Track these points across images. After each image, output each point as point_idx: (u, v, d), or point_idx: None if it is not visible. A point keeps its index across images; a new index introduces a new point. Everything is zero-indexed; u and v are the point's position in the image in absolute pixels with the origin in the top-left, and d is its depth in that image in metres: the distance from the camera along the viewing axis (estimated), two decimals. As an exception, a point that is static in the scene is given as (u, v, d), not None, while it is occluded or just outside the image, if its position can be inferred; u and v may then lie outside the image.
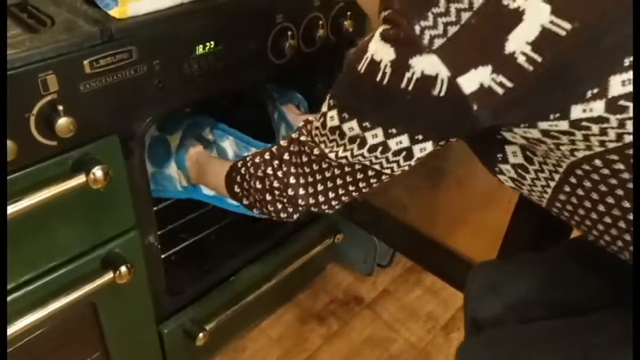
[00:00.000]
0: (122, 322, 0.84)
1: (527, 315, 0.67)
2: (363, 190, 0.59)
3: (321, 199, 0.61)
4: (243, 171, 0.67)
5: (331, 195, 0.60)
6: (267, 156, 0.63)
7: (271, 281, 1.03)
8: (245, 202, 0.69)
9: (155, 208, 0.86)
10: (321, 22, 0.86)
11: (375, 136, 0.49)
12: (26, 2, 0.65)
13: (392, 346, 1.16)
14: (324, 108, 0.54)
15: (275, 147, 0.63)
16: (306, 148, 0.58)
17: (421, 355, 1.14)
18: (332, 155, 0.55)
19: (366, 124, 0.49)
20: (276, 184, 0.62)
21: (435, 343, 1.17)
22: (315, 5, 0.85)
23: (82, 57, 0.59)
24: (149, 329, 0.91)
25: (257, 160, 0.64)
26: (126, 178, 0.71)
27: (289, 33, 0.81)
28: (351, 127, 0.50)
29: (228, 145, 0.93)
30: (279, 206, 0.64)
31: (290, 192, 0.61)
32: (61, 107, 0.58)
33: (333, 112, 0.52)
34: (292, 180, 0.60)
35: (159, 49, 0.66)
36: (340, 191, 0.60)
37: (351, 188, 0.59)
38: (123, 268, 0.73)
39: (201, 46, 0.71)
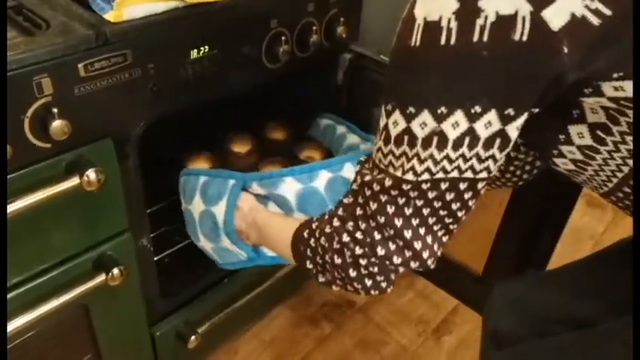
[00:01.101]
0: (114, 324, 0.84)
1: (548, 330, 0.63)
2: (460, 217, 0.47)
3: (417, 246, 0.47)
4: (312, 243, 0.55)
5: (426, 236, 0.47)
6: (336, 222, 0.52)
7: (264, 284, 1.04)
8: (321, 279, 0.56)
9: (149, 211, 0.86)
10: (314, 28, 0.87)
11: (456, 124, 0.40)
12: (22, 5, 0.65)
13: (384, 349, 1.17)
14: (382, 120, 0.45)
15: (340, 208, 0.53)
16: (375, 186, 0.47)
17: (413, 358, 1.15)
18: (409, 176, 0.44)
19: (441, 109, 0.40)
20: (358, 250, 0.49)
21: (426, 346, 1.18)
22: (309, 11, 0.85)
23: (76, 60, 0.59)
24: (141, 331, 0.91)
25: (327, 229, 0.53)
26: (119, 181, 0.72)
27: (283, 38, 0.82)
28: (423, 121, 0.41)
29: (287, 189, 0.73)
30: (368, 282, 0.51)
31: (380, 251, 0.48)
32: (55, 110, 0.59)
33: (395, 116, 0.42)
34: (377, 236, 0.48)
35: (154, 52, 0.67)
36: (435, 227, 0.47)
37: (446, 219, 0.47)
38: (115, 271, 0.73)
39: (195, 50, 0.72)
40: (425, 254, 0.48)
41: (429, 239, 0.48)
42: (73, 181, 0.63)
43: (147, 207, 0.83)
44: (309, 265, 0.57)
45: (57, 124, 0.58)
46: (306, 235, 0.56)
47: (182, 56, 0.71)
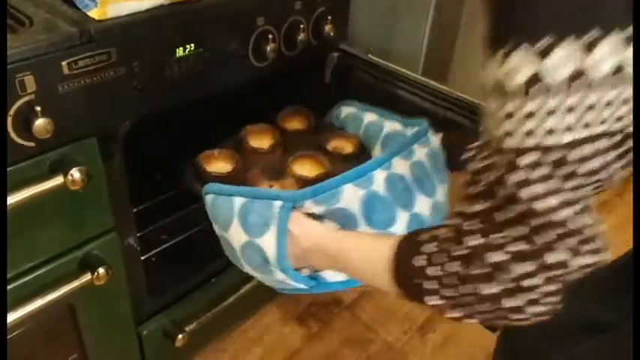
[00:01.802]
0: (101, 323, 0.84)
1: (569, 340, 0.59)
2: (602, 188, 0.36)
3: (590, 232, 0.36)
4: (435, 272, 0.41)
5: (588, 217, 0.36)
6: (472, 241, 0.39)
7: (252, 283, 1.04)
8: (453, 314, 0.43)
9: (135, 210, 0.86)
10: (302, 26, 0.87)
11: (609, 54, 0.30)
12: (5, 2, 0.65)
13: (370, 346, 1.17)
14: (492, 76, 0.34)
15: (465, 222, 0.40)
16: (510, 175, 0.35)
17: (398, 355, 1.16)
18: (551, 139, 0.33)
19: (590, 34, 0.30)
20: (519, 269, 0.36)
21: (411, 343, 1.18)
22: (296, 9, 0.85)
23: (60, 58, 0.59)
24: (128, 330, 0.90)
25: (458, 252, 0.39)
26: (104, 180, 0.71)
27: (270, 36, 0.82)
28: (563, 56, 0.30)
29: (350, 199, 0.62)
30: (535, 309, 0.38)
31: (549, 258, 0.36)
32: (38, 108, 0.58)
33: (516, 59, 0.32)
34: (540, 239, 0.36)
35: (138, 50, 0.66)
36: (589, 204, 0.36)
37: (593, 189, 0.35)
38: (101, 270, 0.73)
39: (181, 48, 0.71)
40: (600, 241, 0.36)
41: (590, 221, 0.36)
42: (58, 181, 0.62)
43: (133, 206, 0.82)
44: (432, 300, 0.42)
45: (40, 122, 0.58)
46: (422, 261, 0.42)
47: (167, 54, 0.70)
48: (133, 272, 0.84)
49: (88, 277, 0.72)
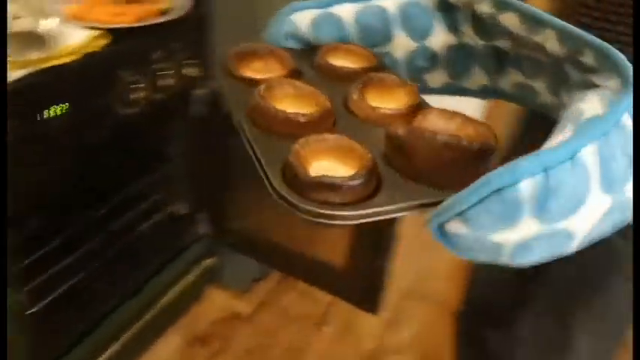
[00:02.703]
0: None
1: None
2: None
3: None
4: None
5: None
6: None
7: (150, 313, 1.07)
8: None
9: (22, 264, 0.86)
10: (167, 72, 0.94)
11: None
12: None
13: (272, 352, 1.27)
14: None
15: None
16: None
17: (299, 354, 1.27)
18: None
19: None
20: None
21: (309, 340, 1.30)
22: (160, 56, 0.93)
23: None
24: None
25: None
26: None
27: (137, 85, 0.88)
28: None
29: None
30: None
31: None
32: None
33: None
34: None
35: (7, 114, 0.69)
36: None
37: None
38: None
39: (51, 108, 0.75)
40: None
41: None
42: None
43: (20, 261, 0.83)
44: None
45: None
46: None
47: (35, 115, 0.74)
48: (19, 329, 0.83)
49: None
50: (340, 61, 0.49)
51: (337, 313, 1.36)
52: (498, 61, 0.49)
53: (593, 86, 0.37)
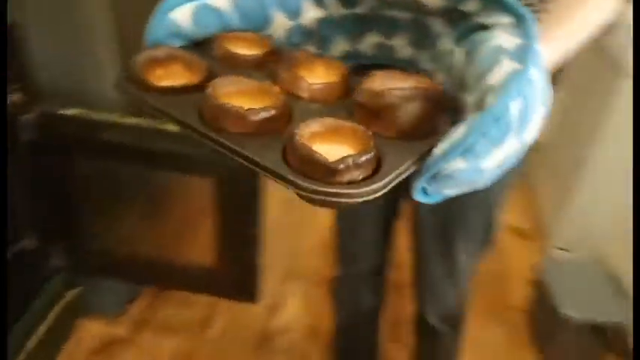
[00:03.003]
0: None
1: None
2: None
3: None
4: None
5: None
6: None
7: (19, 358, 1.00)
8: None
9: None
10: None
11: None
12: None
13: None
14: None
15: None
16: None
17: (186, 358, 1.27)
18: None
19: None
20: None
21: (194, 345, 1.31)
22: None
23: None
24: None
25: None
26: None
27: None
28: None
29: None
30: None
31: None
32: None
33: None
34: None
35: None
36: None
37: None
38: None
39: None
40: None
41: None
42: None
43: None
44: None
45: None
46: None
47: None
48: None
49: None
50: (238, 50, 0.50)
51: (220, 313, 1.38)
52: (358, 26, 0.56)
53: (482, 28, 0.44)
